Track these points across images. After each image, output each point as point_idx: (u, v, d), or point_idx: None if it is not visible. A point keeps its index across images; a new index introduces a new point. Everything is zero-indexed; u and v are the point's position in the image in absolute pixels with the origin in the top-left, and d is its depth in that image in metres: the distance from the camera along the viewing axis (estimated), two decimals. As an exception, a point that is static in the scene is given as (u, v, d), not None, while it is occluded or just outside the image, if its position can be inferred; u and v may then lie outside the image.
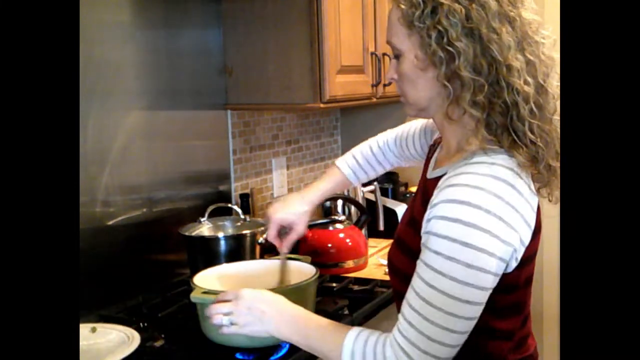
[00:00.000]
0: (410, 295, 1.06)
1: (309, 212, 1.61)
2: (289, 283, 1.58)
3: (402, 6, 1.10)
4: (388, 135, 1.68)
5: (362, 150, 1.68)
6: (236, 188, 2.27)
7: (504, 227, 1.02)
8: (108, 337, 1.52)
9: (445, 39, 1.05)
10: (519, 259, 1.07)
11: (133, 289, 1.84)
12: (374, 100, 2.32)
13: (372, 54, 2.25)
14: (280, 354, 1.44)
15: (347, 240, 2.10)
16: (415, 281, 1.05)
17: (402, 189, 2.64)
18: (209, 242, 1.88)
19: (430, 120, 1.45)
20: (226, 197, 2.21)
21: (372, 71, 2.26)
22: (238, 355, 1.44)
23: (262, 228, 1.93)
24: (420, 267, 1.05)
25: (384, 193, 2.52)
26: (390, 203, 2.45)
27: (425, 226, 1.07)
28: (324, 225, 2.09)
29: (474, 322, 1.05)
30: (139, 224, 1.90)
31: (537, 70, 1.09)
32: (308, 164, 2.68)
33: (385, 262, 1.92)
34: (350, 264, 2.08)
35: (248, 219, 2.01)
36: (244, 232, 1.90)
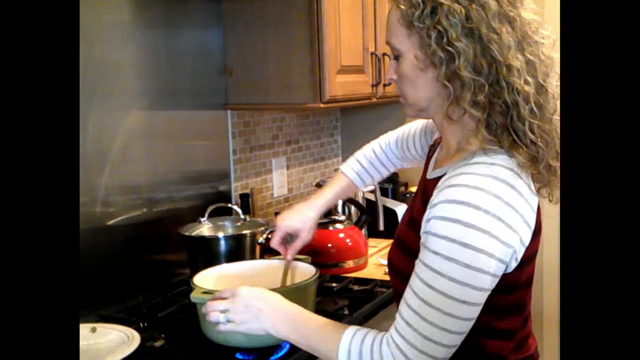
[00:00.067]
0: (408, 294, 1.06)
1: (315, 218, 1.61)
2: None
3: (402, 6, 1.10)
4: (389, 137, 1.68)
5: (366, 153, 1.68)
6: (236, 188, 2.27)
7: (504, 228, 1.02)
8: (108, 337, 1.52)
9: (445, 39, 1.05)
10: (519, 259, 1.07)
11: (133, 289, 1.84)
12: (374, 100, 2.32)
13: (372, 54, 2.25)
14: (280, 354, 1.44)
15: (347, 240, 2.10)
16: (414, 281, 1.05)
17: (402, 189, 2.65)
18: (209, 242, 1.88)
19: (431, 121, 1.45)
20: (226, 197, 2.21)
21: (372, 71, 2.26)
22: (238, 355, 1.44)
23: (262, 228, 1.93)
24: (418, 267, 1.05)
25: (384, 193, 2.52)
26: (390, 203, 2.45)
27: (424, 226, 1.06)
28: (324, 225, 2.08)
29: (471, 323, 1.05)
30: (139, 224, 1.90)
31: (537, 70, 1.09)
32: (308, 164, 2.68)
33: (385, 262, 1.92)
34: (350, 264, 2.08)
35: (248, 219, 2.01)
36: (244, 232, 1.90)
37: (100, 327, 1.57)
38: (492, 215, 1.01)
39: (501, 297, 1.09)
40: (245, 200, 2.20)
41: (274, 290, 1.26)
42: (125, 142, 1.85)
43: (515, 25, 1.07)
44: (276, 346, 1.44)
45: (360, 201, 2.30)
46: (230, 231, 1.93)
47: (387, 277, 1.51)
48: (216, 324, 1.22)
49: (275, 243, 1.59)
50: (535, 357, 1.23)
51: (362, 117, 2.81)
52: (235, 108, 2.22)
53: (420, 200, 1.17)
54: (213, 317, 1.22)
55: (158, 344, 1.55)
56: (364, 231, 2.23)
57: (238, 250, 1.87)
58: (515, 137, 1.07)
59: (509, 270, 1.07)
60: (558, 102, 1.10)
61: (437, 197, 1.05)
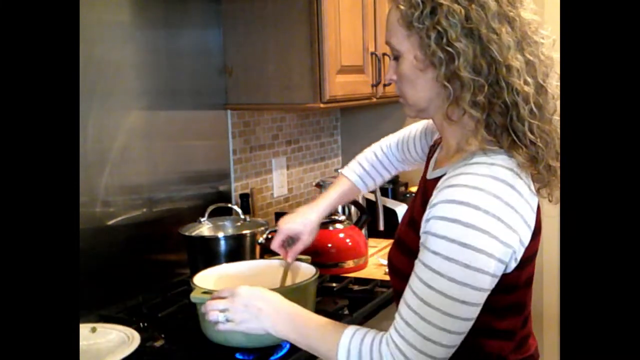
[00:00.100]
0: (407, 294, 1.06)
1: (316, 221, 1.61)
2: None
3: (401, 7, 1.10)
4: (390, 140, 1.68)
5: (367, 156, 1.68)
6: (236, 188, 2.28)
7: (503, 228, 1.02)
8: (108, 337, 1.52)
9: (444, 40, 1.05)
10: (519, 259, 1.07)
11: (133, 289, 1.84)
12: (374, 100, 2.32)
13: (372, 54, 2.25)
14: (280, 354, 1.44)
15: (347, 240, 2.10)
16: (413, 281, 1.05)
17: (402, 189, 2.65)
18: (209, 242, 1.89)
19: (431, 122, 1.44)
20: (226, 197, 2.21)
21: (372, 71, 2.26)
22: (238, 355, 1.44)
23: (262, 228, 1.93)
24: (418, 267, 1.05)
25: (384, 193, 2.52)
26: (390, 203, 2.45)
27: (424, 226, 1.06)
28: (324, 225, 2.08)
29: (471, 323, 1.05)
30: (139, 224, 1.90)
31: (536, 70, 1.09)
32: (308, 164, 2.68)
33: (385, 262, 1.92)
34: (350, 264, 2.08)
35: (248, 219, 2.01)
36: (244, 232, 1.90)
37: (100, 327, 1.57)
38: (492, 216, 1.01)
39: (501, 297, 1.09)
40: (245, 200, 2.20)
41: (274, 290, 1.26)
42: (125, 142, 1.85)
43: (514, 25, 1.07)
44: (276, 346, 1.44)
45: (361, 201, 2.30)
46: (230, 231, 1.93)
47: (387, 277, 1.51)
48: (215, 324, 1.22)
49: (275, 245, 1.59)
50: (536, 357, 1.23)
51: (362, 117, 2.81)
52: (235, 108, 2.22)
53: (420, 201, 1.17)
54: (212, 317, 1.22)
55: (158, 344, 1.55)
56: (364, 231, 2.23)
57: (238, 250, 1.87)
58: (515, 138, 1.07)
59: (509, 270, 1.07)
60: (558, 102, 1.10)
61: (436, 197, 1.05)
